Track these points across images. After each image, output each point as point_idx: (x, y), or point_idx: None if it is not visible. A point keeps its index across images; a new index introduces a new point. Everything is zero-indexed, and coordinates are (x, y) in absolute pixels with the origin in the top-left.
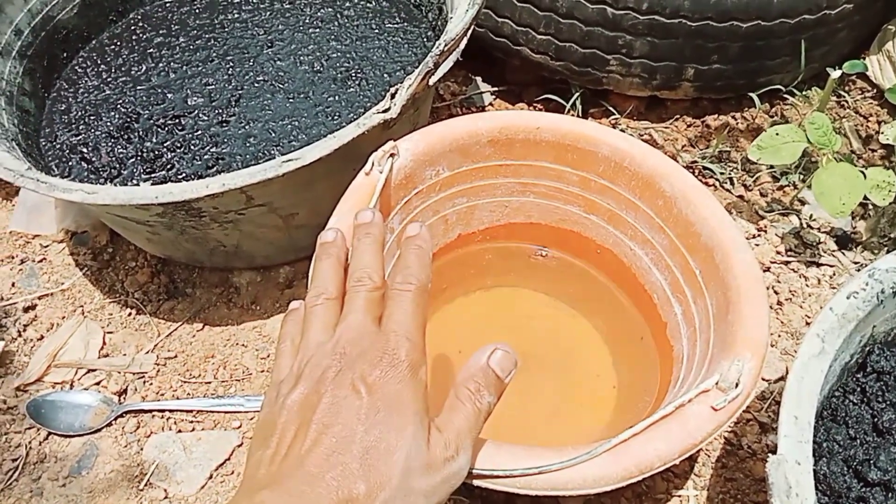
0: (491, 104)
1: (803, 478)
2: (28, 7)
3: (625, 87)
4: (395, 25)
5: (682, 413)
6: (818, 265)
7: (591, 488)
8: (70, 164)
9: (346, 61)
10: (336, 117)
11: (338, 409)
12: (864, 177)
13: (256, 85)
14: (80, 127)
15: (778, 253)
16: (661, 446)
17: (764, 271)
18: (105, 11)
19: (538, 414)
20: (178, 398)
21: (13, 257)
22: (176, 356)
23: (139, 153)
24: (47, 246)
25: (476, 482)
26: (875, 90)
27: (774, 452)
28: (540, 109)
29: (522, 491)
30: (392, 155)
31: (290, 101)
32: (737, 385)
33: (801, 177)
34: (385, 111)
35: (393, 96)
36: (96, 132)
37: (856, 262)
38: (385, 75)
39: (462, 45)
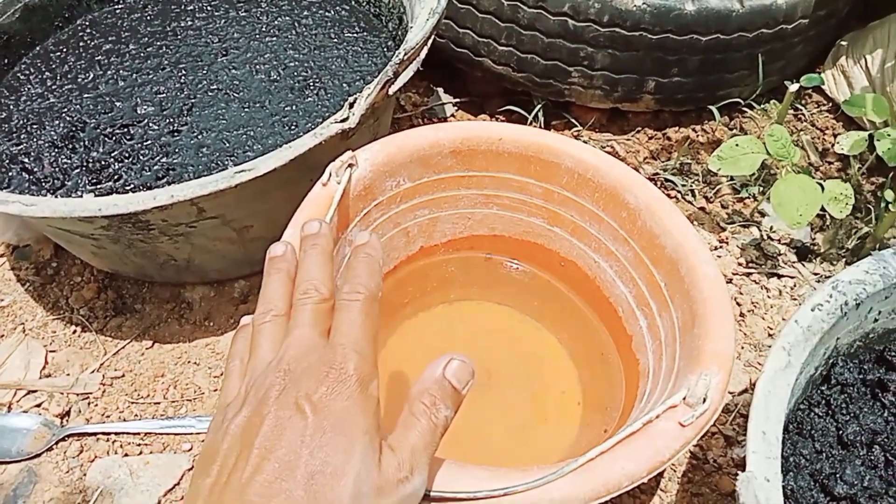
0: (453, 115)
1: (773, 494)
2: None
3: (587, 98)
4: (355, 35)
5: (650, 430)
6: (779, 276)
7: None
8: (10, 174)
9: (304, 70)
10: (293, 127)
11: (281, 431)
12: (822, 189)
13: (210, 94)
14: (22, 136)
15: (739, 264)
16: (628, 465)
17: (726, 283)
18: (50, 17)
19: (502, 431)
20: (124, 420)
21: None
22: (123, 375)
23: (84, 163)
24: None
25: None
26: (831, 104)
27: (741, 467)
28: (502, 121)
29: None
30: (350, 165)
31: (246, 110)
32: (704, 400)
33: (761, 189)
34: (343, 121)
35: (351, 105)
36: (39, 141)
37: (815, 274)
38: (344, 85)
39: (422, 55)
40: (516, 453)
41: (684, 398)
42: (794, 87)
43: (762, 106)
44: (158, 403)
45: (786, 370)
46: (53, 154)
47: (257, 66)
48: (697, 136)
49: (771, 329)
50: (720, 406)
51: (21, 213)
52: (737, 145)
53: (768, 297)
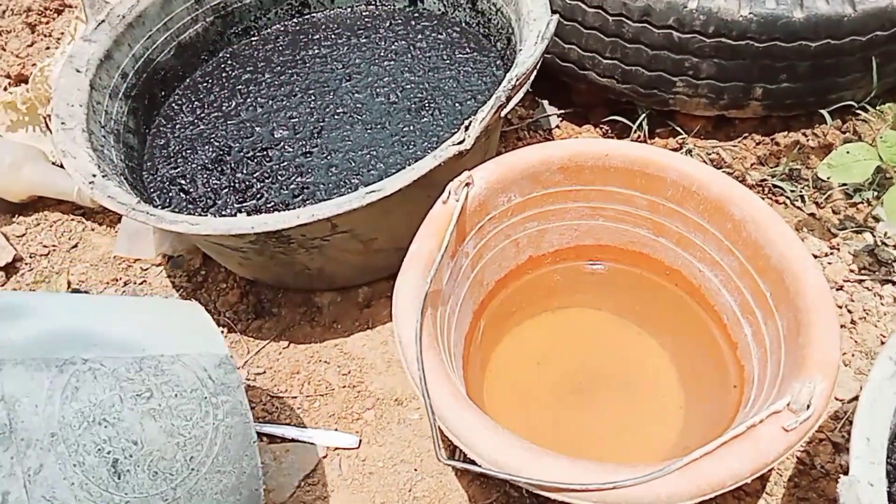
0: (558, 126)
1: (877, 499)
2: (132, 52)
3: (691, 107)
4: (465, 55)
5: (754, 433)
6: (893, 283)
7: None
8: (170, 195)
9: (420, 92)
10: (411, 146)
11: None
12: None
13: (336, 117)
14: (178, 160)
15: (851, 271)
16: (733, 465)
17: (837, 290)
18: (198, 52)
19: (605, 432)
20: (267, 412)
21: (117, 280)
22: (265, 372)
23: (232, 184)
24: (147, 269)
25: (551, 495)
26: None
27: (847, 473)
28: (606, 130)
29: None
30: (468, 184)
31: (368, 131)
32: (808, 406)
33: (875, 193)
34: (460, 143)
35: (467, 128)
36: (193, 165)
37: None
38: (457, 104)
39: (532, 78)
40: (618, 454)
41: (788, 404)
42: None
43: (878, 108)
44: (295, 398)
45: (892, 379)
46: (205, 176)
47: (377, 90)
48: (808, 140)
49: (884, 337)
50: (824, 413)
51: (188, 231)
52: (848, 152)
53: (881, 304)
